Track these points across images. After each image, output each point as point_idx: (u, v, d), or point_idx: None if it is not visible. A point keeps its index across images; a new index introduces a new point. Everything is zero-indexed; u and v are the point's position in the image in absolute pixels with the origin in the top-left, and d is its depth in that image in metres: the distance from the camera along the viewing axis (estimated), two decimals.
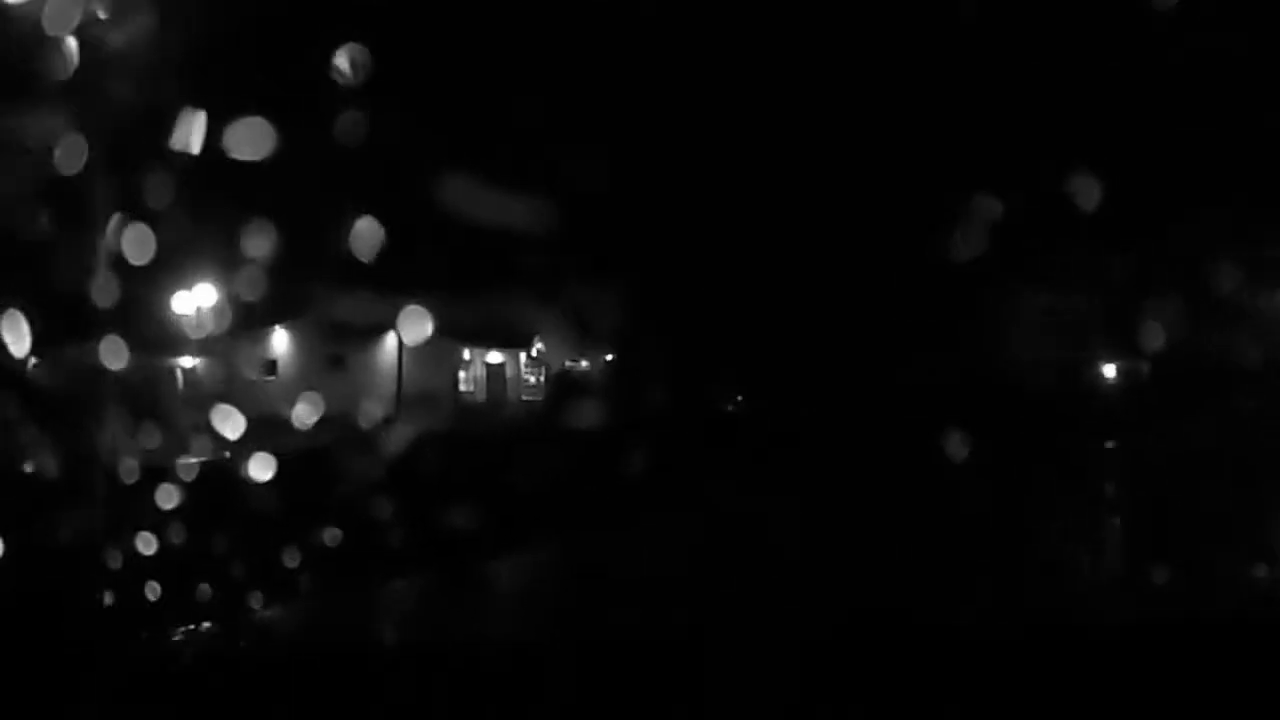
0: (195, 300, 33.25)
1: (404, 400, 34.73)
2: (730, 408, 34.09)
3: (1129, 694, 2.50)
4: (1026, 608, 2.93)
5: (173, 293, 32.35)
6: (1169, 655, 2.59)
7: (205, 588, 5.27)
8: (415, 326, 31.39)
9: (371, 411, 29.12)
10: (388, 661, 2.87)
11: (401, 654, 3.00)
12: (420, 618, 3.22)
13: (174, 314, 32.63)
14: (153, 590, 4.85)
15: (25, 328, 9.51)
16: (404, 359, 36.68)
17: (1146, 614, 3.04)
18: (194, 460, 11.03)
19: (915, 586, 2.81)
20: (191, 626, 3.37)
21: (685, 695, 2.57)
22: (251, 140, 15.82)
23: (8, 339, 9.47)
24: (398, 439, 13.81)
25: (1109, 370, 36.06)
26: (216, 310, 32.68)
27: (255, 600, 5.10)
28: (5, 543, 5.21)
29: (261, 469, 9.52)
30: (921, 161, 30.64)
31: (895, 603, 2.87)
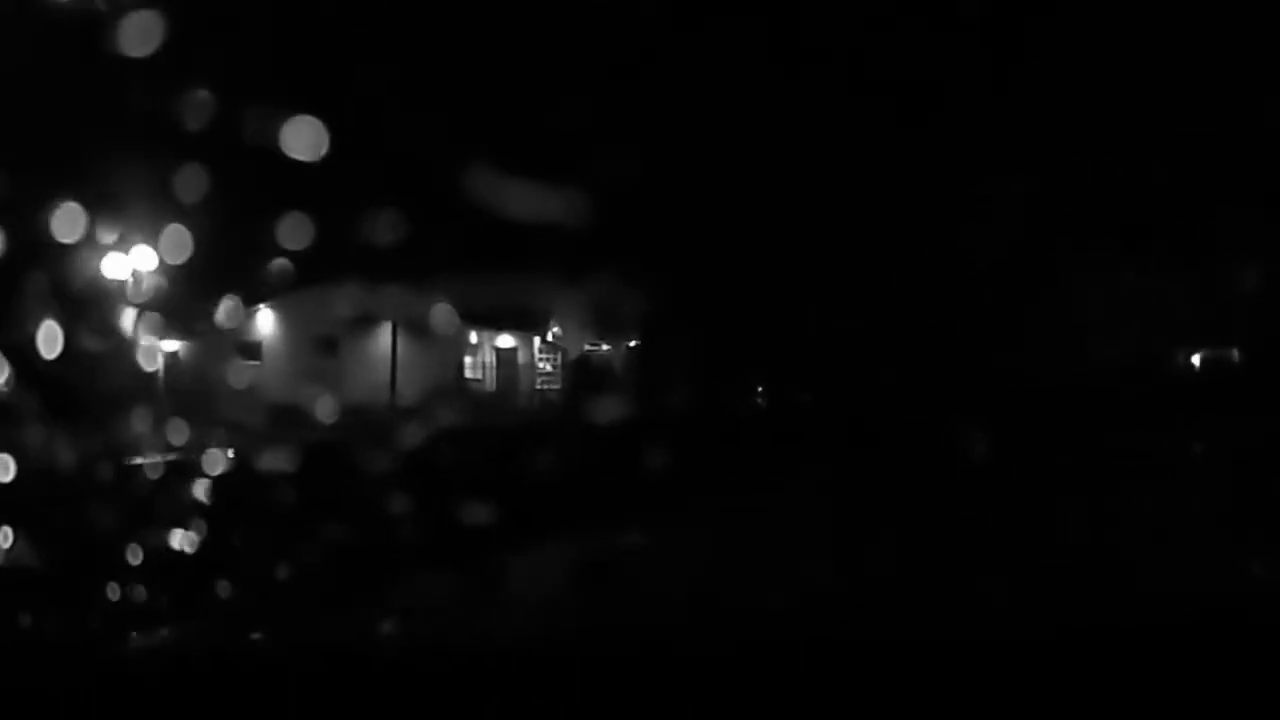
0: (131, 263, 29.58)
1: (401, 389, 34.55)
2: (760, 400, 34.40)
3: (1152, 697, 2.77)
4: (1052, 610, 3.20)
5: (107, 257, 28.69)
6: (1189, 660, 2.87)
7: (205, 584, 5.64)
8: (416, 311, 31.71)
9: (371, 402, 29.34)
10: (394, 662, 3.15)
11: (408, 654, 3.28)
12: (430, 617, 3.53)
13: (105, 279, 28.73)
14: (145, 588, 5.21)
15: (59, 335, 10.32)
16: (402, 342, 36.49)
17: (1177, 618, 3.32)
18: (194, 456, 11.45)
19: (937, 591, 3.07)
20: (192, 623, 3.68)
21: (696, 699, 2.82)
22: (303, 139, 16.49)
23: (41, 344, 10.25)
24: (409, 434, 14.17)
25: (1191, 360, 35.83)
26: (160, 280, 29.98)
27: (256, 598, 5.46)
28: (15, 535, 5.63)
29: (275, 464, 10.00)
30: (970, 137, 31.07)
31: (913, 605, 3.13)
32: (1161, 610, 3.27)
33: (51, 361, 10.98)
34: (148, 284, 29.48)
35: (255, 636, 3.50)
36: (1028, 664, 2.85)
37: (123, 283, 29.22)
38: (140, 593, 4.95)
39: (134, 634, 3.67)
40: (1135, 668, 2.84)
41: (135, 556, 5.76)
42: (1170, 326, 34.04)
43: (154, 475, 9.36)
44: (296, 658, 3.14)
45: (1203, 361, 35.33)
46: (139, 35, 13.38)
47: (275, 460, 10.36)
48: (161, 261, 28.65)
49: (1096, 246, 32.97)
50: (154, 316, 29.62)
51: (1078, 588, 3.48)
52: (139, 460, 10.10)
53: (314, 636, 3.37)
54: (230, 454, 11.60)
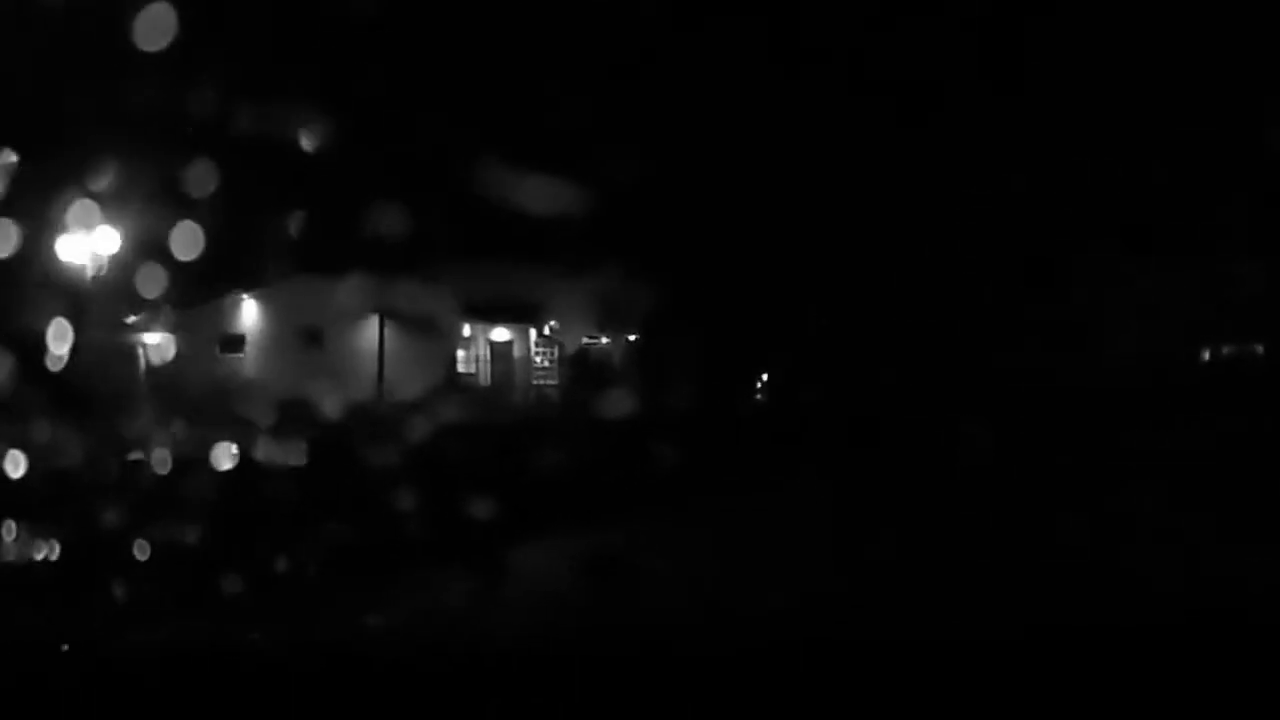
0: (90, 245, 27.60)
1: (390, 383, 34.34)
2: (760, 398, 34.55)
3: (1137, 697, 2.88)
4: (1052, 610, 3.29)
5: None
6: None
7: (205, 582, 5.76)
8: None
9: (358, 397, 29.29)
10: (394, 662, 3.23)
11: (408, 654, 3.38)
12: (430, 617, 3.61)
13: (59, 262, 26.97)
14: (143, 583, 5.32)
15: (70, 331, 10.67)
16: (392, 335, 36.30)
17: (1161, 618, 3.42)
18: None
19: (936, 591, 3.16)
20: (193, 622, 3.78)
21: (696, 699, 2.92)
22: (295, 126, 16.77)
23: (51, 342, 10.60)
24: (399, 430, 14.29)
25: (1212, 357, 35.81)
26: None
27: (257, 594, 5.58)
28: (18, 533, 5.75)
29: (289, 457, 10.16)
30: (970, 137, 31.33)
31: (912, 605, 3.23)
32: (1161, 610, 3.36)
33: (51, 356, 11.21)
34: (139, 274, 29.31)
35: (255, 636, 3.60)
36: (1027, 663, 2.94)
37: (82, 266, 28.78)
38: (143, 588, 5.06)
39: (134, 634, 3.77)
40: (1134, 667, 2.93)
41: (143, 552, 5.86)
42: (1187, 325, 34.07)
43: (138, 471, 9.48)
44: (296, 658, 3.24)
45: (1225, 359, 35.34)
46: (142, 29, 13.55)
47: (262, 457, 10.45)
48: (143, 249, 28.55)
49: (1100, 246, 33.15)
50: (127, 305, 29.50)
51: (1077, 588, 3.58)
52: (130, 457, 10.21)
53: (314, 636, 3.47)
54: (215, 451, 11.72)
